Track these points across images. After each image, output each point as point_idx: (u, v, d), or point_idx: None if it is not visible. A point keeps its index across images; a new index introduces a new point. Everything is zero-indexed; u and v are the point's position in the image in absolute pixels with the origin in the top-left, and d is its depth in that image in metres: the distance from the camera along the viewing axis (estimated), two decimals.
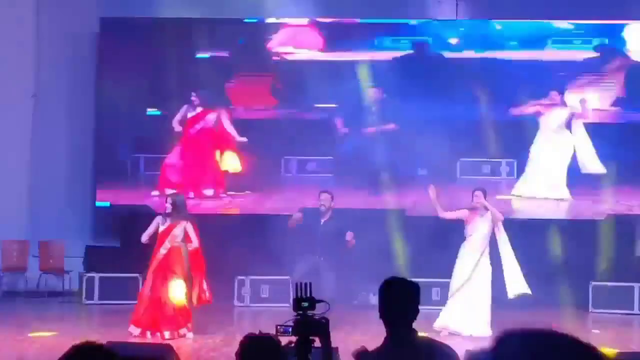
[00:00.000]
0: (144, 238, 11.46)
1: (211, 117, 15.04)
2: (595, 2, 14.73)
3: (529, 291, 11.99)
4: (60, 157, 15.52)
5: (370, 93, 15.11)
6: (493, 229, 11.82)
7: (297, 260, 12.99)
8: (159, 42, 15.35)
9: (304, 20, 15.42)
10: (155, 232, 11.42)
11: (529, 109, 14.80)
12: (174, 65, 15.33)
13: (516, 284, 11.97)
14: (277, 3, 15.06)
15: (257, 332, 4.13)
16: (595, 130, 14.74)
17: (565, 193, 14.75)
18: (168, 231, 11.37)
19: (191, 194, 14.50)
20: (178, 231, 11.37)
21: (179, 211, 11.44)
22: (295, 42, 15.43)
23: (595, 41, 15.13)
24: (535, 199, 14.85)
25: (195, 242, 11.41)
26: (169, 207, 11.44)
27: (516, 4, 14.79)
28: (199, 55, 15.39)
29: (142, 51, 15.34)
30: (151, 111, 15.36)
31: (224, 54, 15.47)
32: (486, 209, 11.77)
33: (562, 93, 14.85)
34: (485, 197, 11.85)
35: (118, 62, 15.24)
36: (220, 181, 15.06)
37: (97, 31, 15.34)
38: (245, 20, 15.43)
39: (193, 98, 14.98)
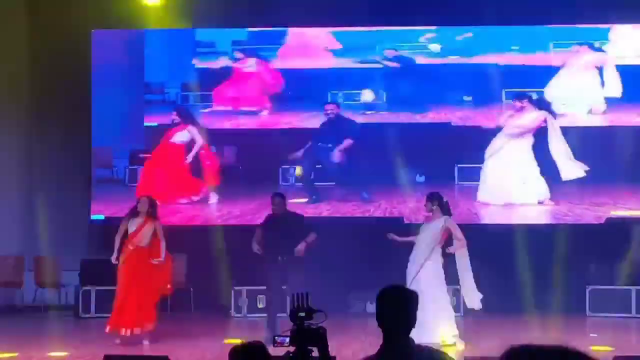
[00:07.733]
0: (116, 245, 11.56)
1: (183, 133, 15.05)
2: (580, 8, 14.65)
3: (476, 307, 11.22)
4: (55, 170, 15.48)
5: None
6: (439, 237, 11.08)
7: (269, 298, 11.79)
8: (153, 53, 15.38)
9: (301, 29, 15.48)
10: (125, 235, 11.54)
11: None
12: (169, 76, 15.38)
13: (469, 298, 11.27)
14: (271, 12, 15.10)
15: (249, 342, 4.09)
16: (590, 133, 14.71)
17: (536, 196, 14.57)
18: (138, 231, 11.47)
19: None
20: (148, 230, 11.44)
21: (152, 212, 11.52)
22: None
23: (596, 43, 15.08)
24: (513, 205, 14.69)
25: (163, 243, 11.47)
26: (144, 206, 11.45)
27: (505, 10, 14.71)
28: (198, 65, 15.39)
29: (135, 63, 15.35)
30: (148, 123, 15.36)
31: (220, 63, 15.45)
32: (441, 215, 11.10)
33: (530, 99, 14.64)
34: (441, 203, 11.13)
35: (112, 75, 15.25)
36: (194, 188, 15.08)
37: (90, 45, 15.31)
38: (249, 30, 15.44)
39: (174, 117, 15.04)
